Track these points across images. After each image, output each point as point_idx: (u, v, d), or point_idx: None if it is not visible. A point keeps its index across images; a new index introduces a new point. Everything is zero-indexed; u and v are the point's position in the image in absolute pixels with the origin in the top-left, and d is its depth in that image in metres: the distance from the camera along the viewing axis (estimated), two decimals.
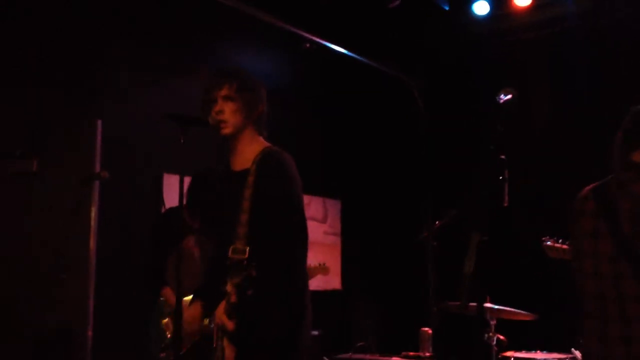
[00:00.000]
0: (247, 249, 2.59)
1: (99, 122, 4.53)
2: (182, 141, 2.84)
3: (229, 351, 2.65)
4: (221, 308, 2.62)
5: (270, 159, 2.77)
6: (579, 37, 5.78)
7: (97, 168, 4.39)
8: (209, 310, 2.84)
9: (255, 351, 2.63)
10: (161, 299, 3.92)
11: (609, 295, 2.39)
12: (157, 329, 3.86)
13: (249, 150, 2.82)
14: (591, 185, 2.57)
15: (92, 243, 4.38)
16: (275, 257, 2.61)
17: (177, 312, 2.74)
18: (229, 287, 2.56)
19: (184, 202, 4.03)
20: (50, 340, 4.22)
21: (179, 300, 2.75)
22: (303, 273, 2.73)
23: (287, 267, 2.65)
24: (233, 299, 2.52)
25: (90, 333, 4.29)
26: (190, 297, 2.99)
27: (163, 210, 4.60)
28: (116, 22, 4.81)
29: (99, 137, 4.50)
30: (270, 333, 2.62)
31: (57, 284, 3.66)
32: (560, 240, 4.07)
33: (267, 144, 2.87)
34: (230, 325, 2.57)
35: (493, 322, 4.25)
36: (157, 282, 3.94)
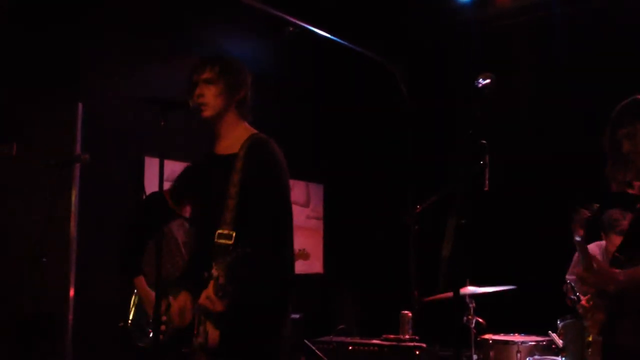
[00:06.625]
0: (234, 234, 2.59)
1: (80, 105, 4.49)
2: (162, 124, 2.82)
3: (212, 335, 2.64)
4: (206, 291, 2.61)
5: (259, 146, 2.75)
6: (560, 23, 5.81)
7: (78, 151, 4.37)
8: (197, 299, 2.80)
9: (240, 335, 2.63)
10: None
11: None
12: (143, 317, 3.87)
13: (234, 134, 2.81)
14: None
15: (73, 226, 4.36)
16: (262, 243, 2.61)
17: (158, 295, 2.72)
18: (215, 270, 2.55)
19: (171, 186, 4.04)
20: (30, 324, 4.20)
21: (159, 283, 2.72)
22: (289, 260, 2.74)
23: (274, 253, 2.65)
24: (221, 280, 2.52)
25: (70, 317, 4.28)
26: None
27: (143, 196, 4.57)
28: (98, 6, 4.76)
29: (79, 120, 4.47)
30: (257, 315, 2.62)
31: (38, 268, 3.63)
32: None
33: (253, 130, 2.87)
34: (219, 306, 2.57)
35: (472, 305, 4.30)
36: (133, 267, 3.92)
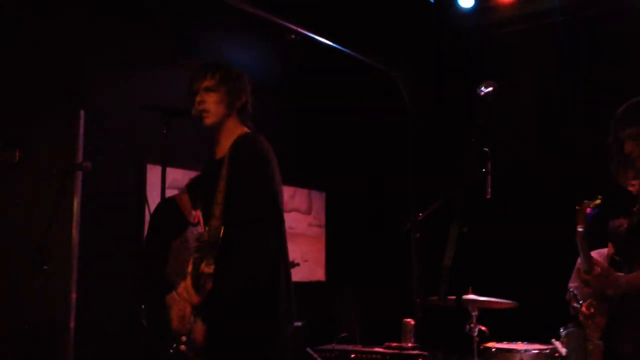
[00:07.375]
0: (222, 228, 2.60)
1: (82, 113, 4.50)
2: (164, 132, 2.84)
3: (199, 331, 2.63)
4: (185, 282, 2.64)
5: (243, 140, 2.80)
6: (563, 31, 5.81)
7: (80, 159, 4.37)
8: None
9: (228, 334, 2.61)
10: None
11: None
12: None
13: (231, 139, 2.84)
14: None
15: (75, 234, 4.36)
16: (244, 234, 2.61)
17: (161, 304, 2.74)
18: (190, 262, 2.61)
19: (184, 190, 4.02)
20: (32, 332, 4.19)
21: (162, 292, 2.74)
22: (273, 254, 2.70)
23: (253, 247, 2.62)
24: (189, 269, 2.56)
25: (72, 325, 4.27)
26: None
27: (146, 205, 4.54)
28: (99, 13, 4.77)
29: (81, 128, 4.47)
30: (242, 311, 2.61)
31: (40, 275, 3.63)
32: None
33: (247, 130, 2.89)
34: (195, 297, 2.59)
35: (475, 314, 4.28)
36: (164, 284, 3.84)
